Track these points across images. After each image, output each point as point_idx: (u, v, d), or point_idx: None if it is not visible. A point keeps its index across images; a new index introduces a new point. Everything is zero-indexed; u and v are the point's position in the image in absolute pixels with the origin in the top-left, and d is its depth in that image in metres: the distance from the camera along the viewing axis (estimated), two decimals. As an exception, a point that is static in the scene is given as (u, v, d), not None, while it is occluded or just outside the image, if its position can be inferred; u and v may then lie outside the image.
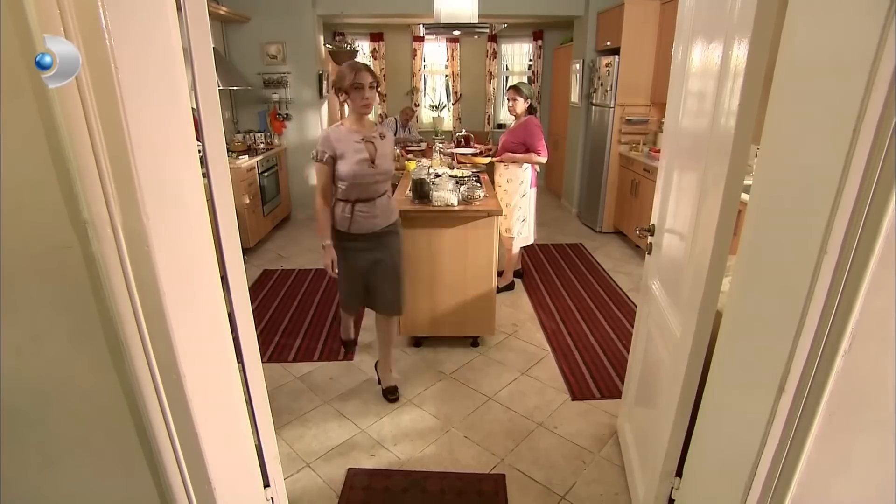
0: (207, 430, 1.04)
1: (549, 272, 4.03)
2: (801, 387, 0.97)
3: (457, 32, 2.98)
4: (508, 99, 3.32)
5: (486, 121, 7.10)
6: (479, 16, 3.21)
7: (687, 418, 1.41)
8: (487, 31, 3.04)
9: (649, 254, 1.83)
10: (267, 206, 4.79)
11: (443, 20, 2.90)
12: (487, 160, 3.59)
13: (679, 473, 1.49)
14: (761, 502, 1.10)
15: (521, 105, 3.29)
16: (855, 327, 0.90)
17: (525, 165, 3.36)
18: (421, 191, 2.67)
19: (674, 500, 1.51)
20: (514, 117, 3.40)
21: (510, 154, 3.31)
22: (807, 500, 1.05)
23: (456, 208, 2.59)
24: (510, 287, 3.67)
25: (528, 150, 3.27)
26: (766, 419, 1.04)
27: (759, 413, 1.05)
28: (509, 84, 3.37)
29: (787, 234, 1.00)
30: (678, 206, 1.60)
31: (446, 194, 2.61)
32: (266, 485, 1.42)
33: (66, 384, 0.98)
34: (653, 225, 1.79)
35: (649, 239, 1.81)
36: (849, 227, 0.87)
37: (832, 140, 0.87)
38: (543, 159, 3.31)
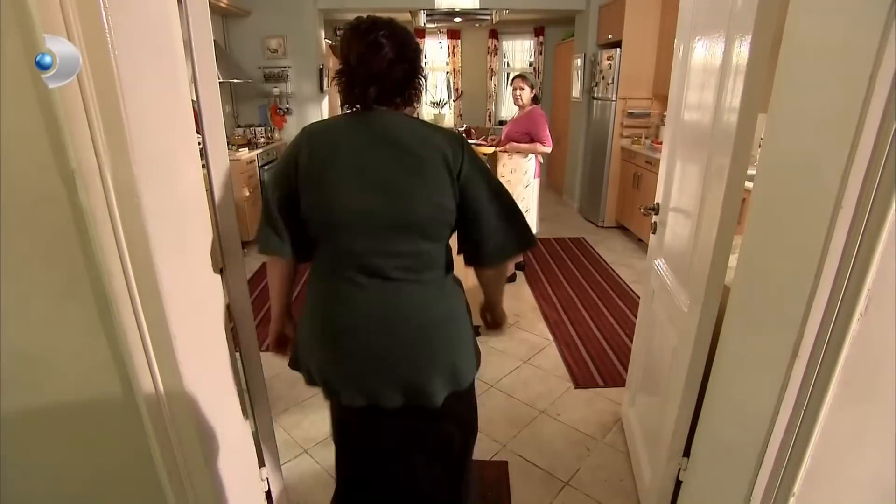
0: (199, 395, 1.00)
1: (551, 265, 4.00)
2: (816, 351, 0.93)
3: (458, 20, 2.96)
4: (515, 88, 3.30)
5: (488, 117, 7.08)
6: (481, 9, 3.20)
7: (695, 394, 1.37)
8: (489, 17, 3.02)
9: (654, 233, 1.79)
10: (267, 200, 4.77)
11: (444, 9, 2.88)
12: (491, 150, 3.56)
13: (686, 454, 1.45)
14: (773, 476, 1.06)
15: (528, 94, 3.27)
16: (871, 288, 0.87)
17: (529, 156, 3.33)
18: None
19: (681, 482, 1.47)
20: (518, 108, 3.38)
21: (515, 144, 3.29)
22: (820, 473, 1.01)
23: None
24: (512, 279, 3.63)
25: (532, 141, 3.25)
26: (779, 387, 1.00)
27: (771, 381, 1.02)
28: (514, 74, 3.34)
29: (800, 190, 0.96)
30: (683, 183, 1.57)
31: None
32: (261, 464, 1.39)
33: (53, 347, 0.94)
34: (657, 204, 1.76)
35: (654, 218, 1.78)
36: (865, 180, 0.83)
37: (848, 88, 0.84)
38: (548, 149, 3.28)
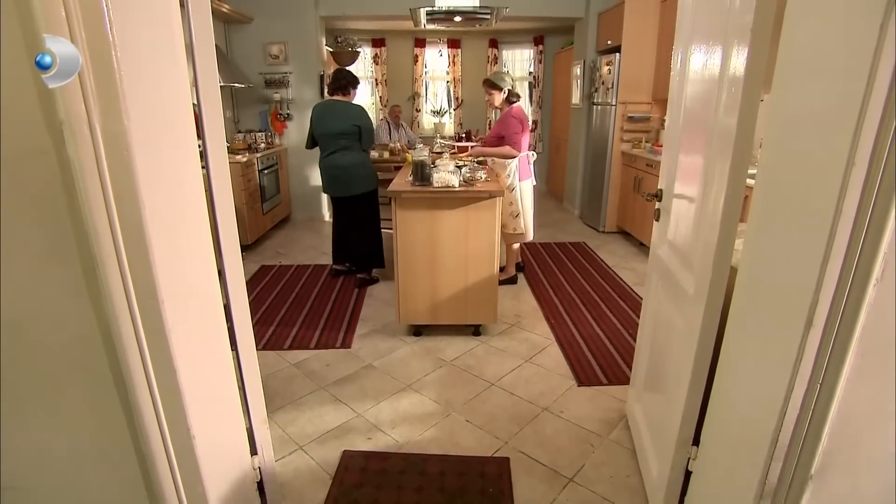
0: (187, 370, 0.96)
1: (552, 268, 3.96)
2: (832, 318, 0.89)
3: (458, 19, 2.98)
4: (486, 93, 3.28)
5: (488, 126, 7.11)
6: (480, 7, 3.22)
7: (704, 378, 1.33)
8: (489, 17, 3.04)
9: (657, 220, 1.76)
10: (266, 205, 4.74)
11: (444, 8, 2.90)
12: (464, 155, 3.52)
13: (696, 443, 1.39)
14: (789, 458, 1.01)
15: (498, 97, 3.21)
16: (887, 252, 0.83)
17: (516, 155, 3.23)
18: (422, 173, 2.62)
19: (691, 473, 1.41)
20: (499, 110, 3.37)
21: (479, 149, 3.31)
22: (838, 453, 0.96)
23: (457, 189, 2.54)
24: (513, 281, 3.59)
25: (504, 143, 3.19)
26: (794, 360, 0.96)
27: (785, 355, 0.97)
28: (483, 79, 3.34)
29: (809, 148, 0.93)
30: (687, 165, 1.54)
31: (447, 175, 2.56)
32: (253, 452, 1.33)
33: (37, 313, 0.90)
34: (660, 190, 1.73)
35: (657, 205, 1.75)
36: (879, 133, 0.81)
37: (857, 41, 0.82)
38: (515, 153, 3.16)
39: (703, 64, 1.41)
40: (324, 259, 4.21)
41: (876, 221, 0.83)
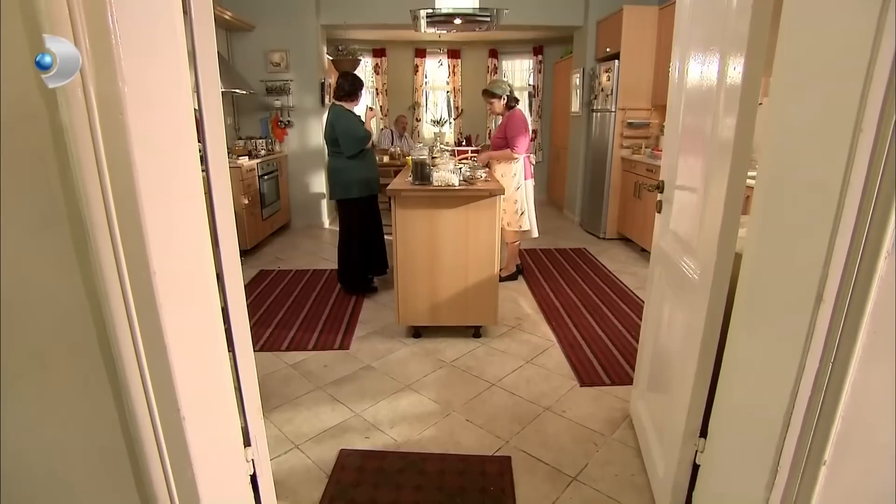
0: (178, 348, 0.93)
1: (553, 272, 3.93)
2: (842, 294, 0.87)
3: (458, 21, 3.01)
4: (486, 103, 3.46)
5: (487, 135, 7.15)
6: (480, 9, 3.27)
7: (710, 367, 1.29)
8: (489, 20, 3.08)
9: (659, 212, 1.74)
10: (266, 210, 4.73)
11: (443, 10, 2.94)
12: (471, 157, 3.62)
13: (703, 435, 1.35)
14: (801, 442, 0.97)
15: (499, 105, 3.39)
16: (898, 222, 0.81)
17: (517, 157, 3.35)
18: (421, 172, 2.61)
19: (699, 466, 1.37)
20: (500, 116, 3.50)
21: (487, 154, 3.43)
22: (852, 437, 0.93)
23: (457, 188, 2.53)
24: (513, 277, 3.58)
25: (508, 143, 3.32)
26: (804, 339, 0.93)
27: (795, 334, 0.95)
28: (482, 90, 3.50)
29: (814, 117, 0.92)
30: (690, 152, 1.53)
31: (447, 174, 2.55)
32: (247, 443, 1.29)
33: (25, 286, 0.88)
34: (662, 181, 1.72)
35: (659, 196, 1.73)
36: (886, 96, 0.79)
37: (861, 12, 0.81)
38: (517, 155, 3.33)
39: (702, 63, 1.41)
40: (322, 264, 4.19)
41: (885, 191, 0.81)
